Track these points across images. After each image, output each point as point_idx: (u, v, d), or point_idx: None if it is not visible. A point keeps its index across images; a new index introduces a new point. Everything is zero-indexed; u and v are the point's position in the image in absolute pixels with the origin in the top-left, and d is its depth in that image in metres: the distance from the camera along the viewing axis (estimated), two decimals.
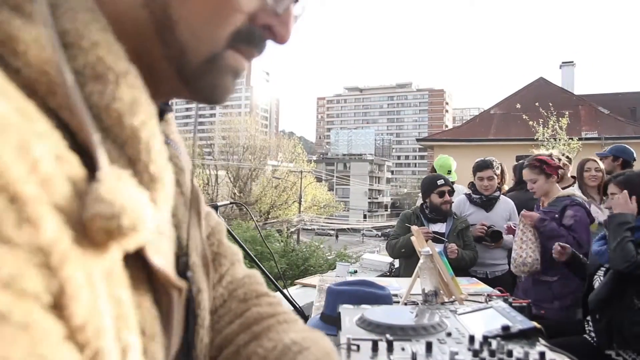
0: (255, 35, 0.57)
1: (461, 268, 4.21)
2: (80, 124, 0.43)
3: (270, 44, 0.59)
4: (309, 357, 0.68)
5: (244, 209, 26.37)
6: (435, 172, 5.69)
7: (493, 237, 4.70)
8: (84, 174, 0.42)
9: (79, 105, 0.43)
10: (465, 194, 5.18)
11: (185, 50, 0.53)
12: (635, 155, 5.56)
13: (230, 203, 2.93)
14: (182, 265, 0.61)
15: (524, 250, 3.94)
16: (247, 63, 0.58)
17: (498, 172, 5.23)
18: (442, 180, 4.60)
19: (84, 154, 0.43)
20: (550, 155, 4.24)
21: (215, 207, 2.50)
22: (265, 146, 45.17)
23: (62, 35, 0.45)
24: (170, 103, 0.66)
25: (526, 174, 4.16)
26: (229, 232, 2.20)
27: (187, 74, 0.55)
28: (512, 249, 4.09)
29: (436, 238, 4.37)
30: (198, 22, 0.53)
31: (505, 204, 4.99)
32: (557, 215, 3.97)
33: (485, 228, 4.77)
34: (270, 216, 36.18)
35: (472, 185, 5.22)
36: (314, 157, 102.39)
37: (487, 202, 4.94)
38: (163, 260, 0.50)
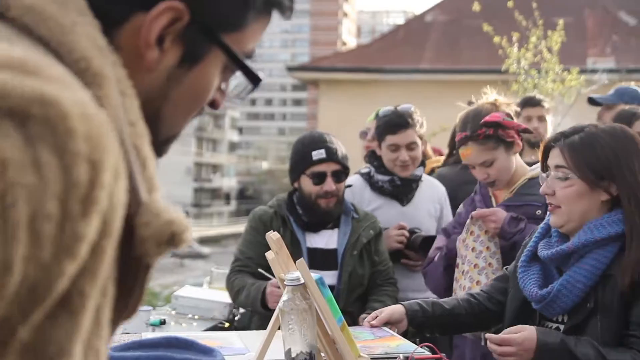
0: (204, 110, 0.85)
1: None
2: (128, 154, 0.66)
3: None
4: None
5: None
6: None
7: (422, 247, 3.16)
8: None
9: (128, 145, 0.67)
10: (362, 174, 3.50)
11: (158, 134, 0.78)
12: None
13: None
14: None
15: (473, 278, 2.65)
16: None
17: (422, 131, 3.40)
18: (323, 148, 3.02)
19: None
20: (496, 106, 2.74)
21: None
22: None
23: (125, 112, 0.70)
24: None
25: (471, 153, 2.71)
26: None
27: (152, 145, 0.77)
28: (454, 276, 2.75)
29: (324, 262, 2.95)
30: (178, 117, 0.81)
31: (432, 190, 3.45)
32: (539, 212, 2.64)
33: (407, 234, 3.27)
34: None
35: (372, 158, 3.47)
36: None
37: (402, 188, 3.38)
38: None
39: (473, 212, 2.73)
